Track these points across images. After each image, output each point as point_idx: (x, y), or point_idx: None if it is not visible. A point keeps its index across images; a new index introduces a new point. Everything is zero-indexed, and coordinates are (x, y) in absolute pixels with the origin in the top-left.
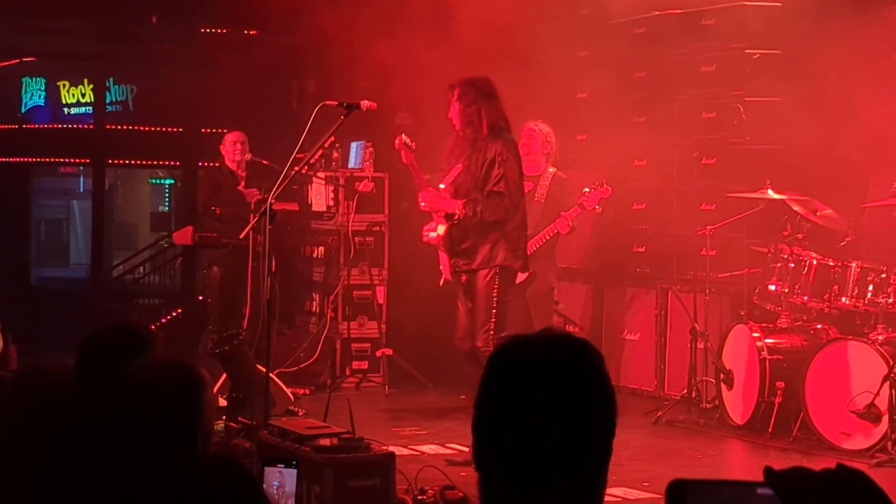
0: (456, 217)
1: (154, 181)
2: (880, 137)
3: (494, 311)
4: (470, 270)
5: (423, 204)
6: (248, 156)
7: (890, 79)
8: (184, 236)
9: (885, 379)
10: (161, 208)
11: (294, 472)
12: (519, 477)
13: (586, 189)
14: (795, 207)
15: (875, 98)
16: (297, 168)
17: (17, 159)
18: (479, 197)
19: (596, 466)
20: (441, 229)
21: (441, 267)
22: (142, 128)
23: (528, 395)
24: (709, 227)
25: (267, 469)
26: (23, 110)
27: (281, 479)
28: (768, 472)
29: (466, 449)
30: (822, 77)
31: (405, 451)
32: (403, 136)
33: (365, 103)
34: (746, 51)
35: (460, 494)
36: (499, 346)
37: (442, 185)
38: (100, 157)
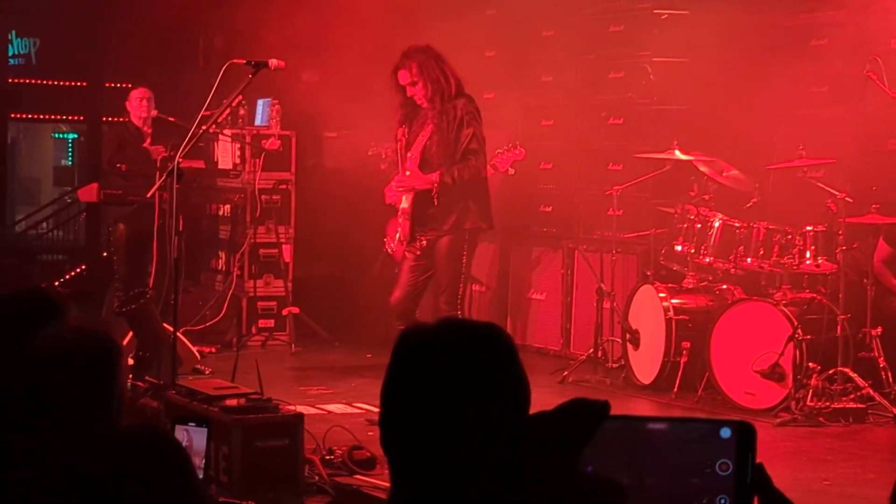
0: (435, 191)
1: (57, 135)
2: (786, 99)
3: (462, 274)
4: (438, 236)
5: (399, 189)
6: (155, 112)
7: (796, 40)
8: (89, 193)
9: (789, 339)
10: (64, 163)
11: (204, 430)
12: (426, 463)
13: (499, 150)
14: (702, 168)
15: (781, 59)
16: (204, 126)
17: None
18: (451, 163)
19: (507, 452)
20: (406, 201)
21: (389, 236)
22: (45, 81)
23: (434, 386)
24: (616, 188)
25: (177, 427)
26: None
27: (189, 438)
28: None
29: (377, 409)
30: (729, 38)
31: (312, 411)
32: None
33: (273, 62)
34: (655, 11)
35: (368, 454)
36: (402, 337)
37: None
38: (2, 111)
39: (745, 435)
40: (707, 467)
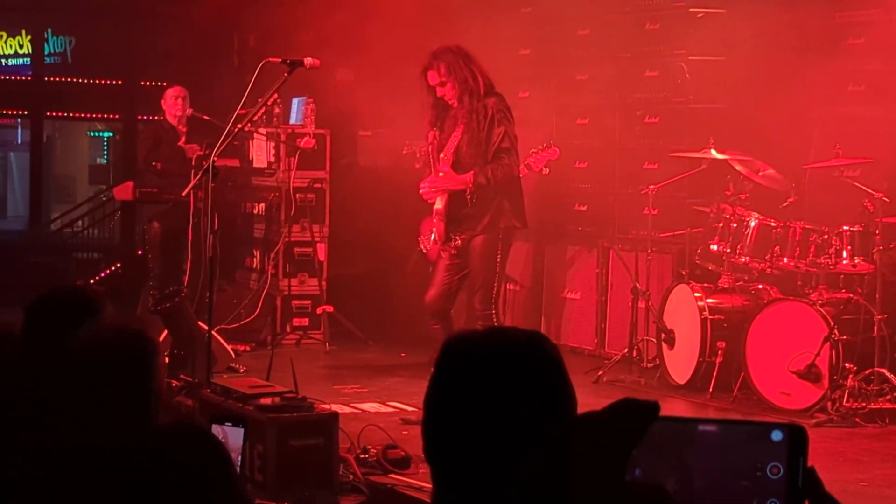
0: (469, 191)
1: (92, 133)
2: (823, 98)
3: (497, 274)
4: (472, 236)
5: (431, 190)
6: (190, 111)
7: (832, 39)
8: (124, 191)
9: (825, 340)
10: (99, 161)
11: (241, 430)
12: (467, 471)
13: (533, 149)
14: (738, 167)
15: (818, 58)
16: (239, 125)
17: None
18: (484, 162)
19: (554, 456)
20: (440, 202)
21: (423, 235)
22: (80, 80)
23: (474, 393)
24: (651, 187)
25: (214, 426)
26: None
27: (225, 437)
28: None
29: (411, 408)
30: (765, 36)
31: (347, 409)
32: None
33: (308, 60)
34: (691, 9)
35: (402, 453)
36: (446, 344)
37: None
38: (38, 110)
39: (796, 438)
40: (757, 470)
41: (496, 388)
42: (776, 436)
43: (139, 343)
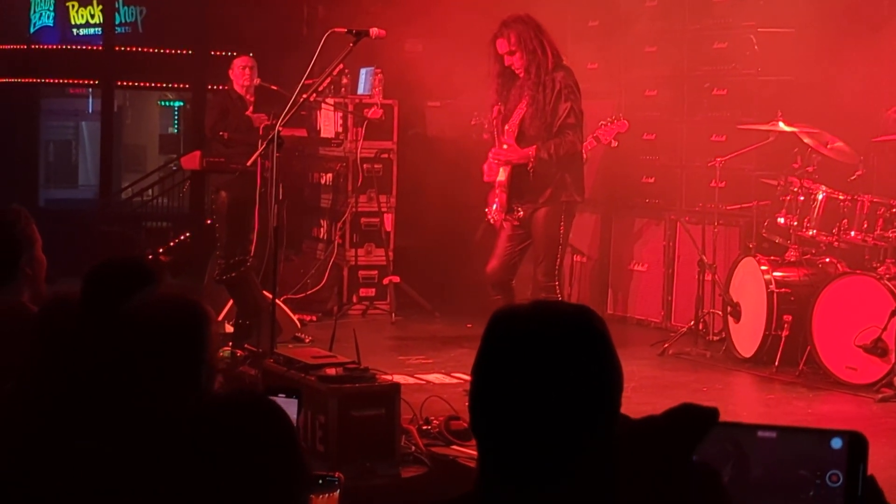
0: (531, 165)
1: (163, 103)
2: (892, 71)
3: (560, 245)
4: (534, 209)
5: (495, 162)
6: (257, 81)
7: None
8: (191, 161)
9: (892, 314)
10: (170, 130)
11: (294, 401)
12: (514, 446)
13: (602, 122)
14: (806, 140)
15: (887, 30)
16: (305, 95)
17: (26, 80)
18: (548, 136)
19: (600, 436)
20: (503, 174)
21: (489, 208)
22: (151, 50)
23: (518, 372)
24: (719, 159)
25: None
26: (31, 31)
27: None
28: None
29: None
30: (835, 8)
31: (411, 380)
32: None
33: (374, 31)
34: None
35: (465, 425)
36: (492, 320)
37: (507, 127)
38: (109, 79)
39: (856, 446)
40: (817, 478)
41: (541, 361)
42: (836, 443)
43: (191, 313)
